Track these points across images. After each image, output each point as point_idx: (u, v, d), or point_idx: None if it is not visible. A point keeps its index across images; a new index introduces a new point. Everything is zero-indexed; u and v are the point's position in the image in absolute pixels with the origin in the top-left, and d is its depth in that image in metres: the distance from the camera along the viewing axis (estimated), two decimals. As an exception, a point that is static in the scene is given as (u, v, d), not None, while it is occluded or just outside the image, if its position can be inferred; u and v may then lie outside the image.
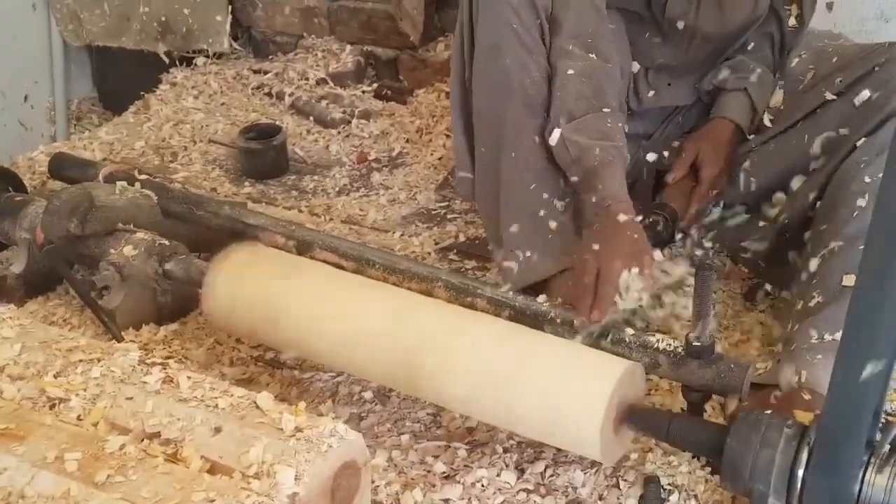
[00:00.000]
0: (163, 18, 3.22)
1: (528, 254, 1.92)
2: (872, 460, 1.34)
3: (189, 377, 1.43)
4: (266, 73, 3.20)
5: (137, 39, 3.26)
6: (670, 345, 1.63)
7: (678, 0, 1.96)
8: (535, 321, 1.72)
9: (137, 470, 1.25)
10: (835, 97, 1.90)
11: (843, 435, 1.32)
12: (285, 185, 2.60)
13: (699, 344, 1.57)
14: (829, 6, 2.35)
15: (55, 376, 1.43)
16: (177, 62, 3.26)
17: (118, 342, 1.78)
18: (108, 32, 3.28)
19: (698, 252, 2.05)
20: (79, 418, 1.35)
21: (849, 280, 1.71)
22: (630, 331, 1.68)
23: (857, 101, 1.86)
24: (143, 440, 1.31)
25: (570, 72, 1.85)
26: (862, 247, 1.71)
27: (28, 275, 2.03)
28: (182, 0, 3.19)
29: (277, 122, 2.81)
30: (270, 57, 3.32)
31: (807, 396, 1.62)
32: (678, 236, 2.07)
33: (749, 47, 2.04)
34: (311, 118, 2.94)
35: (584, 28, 1.87)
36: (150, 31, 3.25)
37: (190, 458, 1.27)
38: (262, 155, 2.63)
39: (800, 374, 1.66)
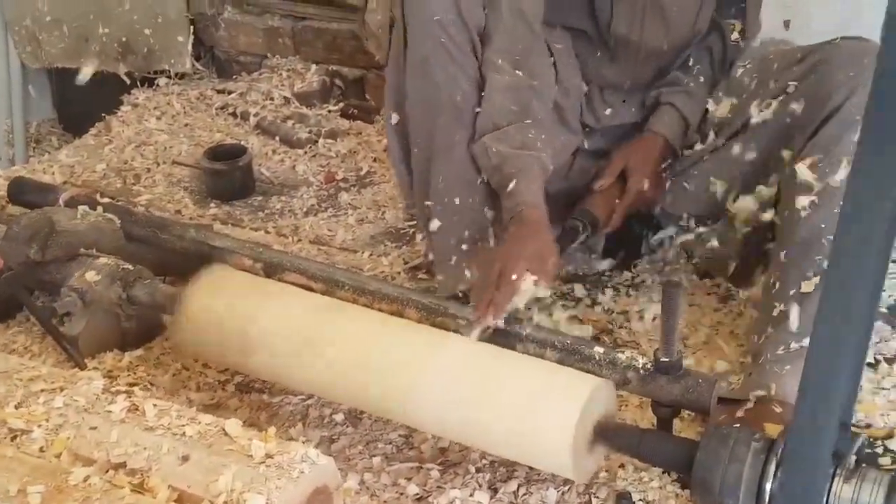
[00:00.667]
0: (123, 39, 3.22)
1: (457, 259, 1.96)
2: (839, 472, 1.36)
3: (155, 405, 1.43)
4: (230, 93, 3.20)
5: (97, 61, 3.25)
6: (639, 361, 1.65)
7: (623, 18, 2.00)
8: (507, 340, 1.73)
9: (102, 502, 1.24)
10: (773, 105, 1.94)
11: (810, 447, 1.34)
12: (252, 207, 2.60)
13: (667, 360, 1.59)
14: (787, 24, 2.38)
15: (16, 407, 1.42)
16: (138, 83, 3.26)
17: (81, 370, 1.77)
18: (67, 54, 3.28)
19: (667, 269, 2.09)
20: (41, 450, 1.35)
21: (807, 286, 1.74)
22: (599, 348, 1.69)
23: (794, 107, 1.90)
24: (108, 471, 1.30)
25: (498, 85, 1.90)
26: (816, 254, 1.75)
27: (-13, 303, 2.02)
28: (143, 20, 3.20)
29: (243, 143, 2.80)
30: (234, 77, 3.32)
31: (778, 409, 1.64)
32: (651, 253, 2.12)
33: (689, 62, 2.08)
34: (277, 138, 2.94)
35: (514, 44, 1.91)
36: (111, 51, 3.25)
37: (157, 488, 1.27)
38: (228, 176, 2.62)
39: (769, 387, 1.69)
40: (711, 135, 2.05)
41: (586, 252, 2.11)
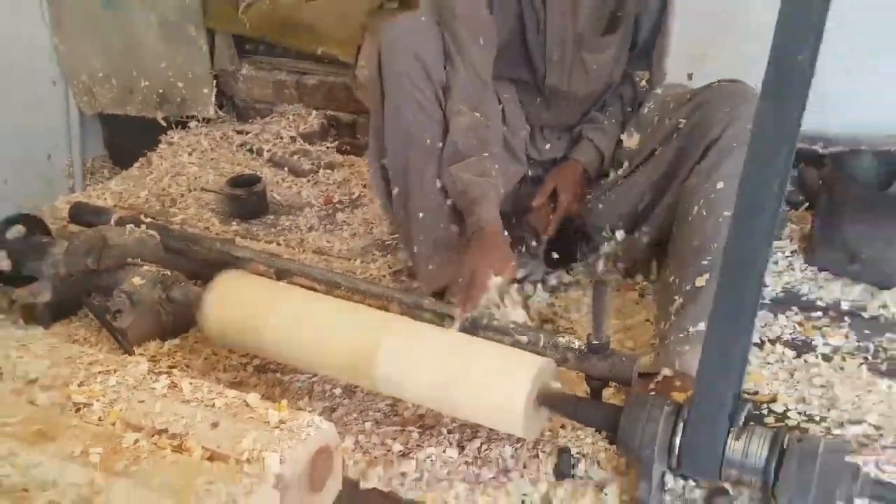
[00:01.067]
0: (160, 91, 3.21)
1: (432, 267, 1.99)
2: (732, 430, 1.38)
3: (190, 382, 1.43)
4: (247, 133, 3.19)
5: (139, 107, 3.25)
6: (575, 344, 1.67)
7: (554, 73, 2.04)
8: (474, 330, 1.74)
9: (149, 460, 1.24)
10: (667, 138, 1.98)
11: (710, 411, 1.36)
12: (266, 224, 2.59)
13: (597, 343, 1.62)
14: (690, 76, 2.39)
15: (79, 385, 1.42)
16: (173, 126, 3.25)
17: (130, 356, 1.77)
18: (115, 102, 3.26)
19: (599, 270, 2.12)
20: (99, 419, 1.35)
21: (700, 282, 1.78)
22: (543, 335, 1.71)
23: (685, 139, 1.93)
24: (153, 435, 1.30)
25: (460, 126, 1.92)
26: (705, 256, 1.78)
27: (54, 303, 2.01)
28: (176, 76, 3.19)
29: (258, 173, 2.79)
30: (250, 120, 3.31)
31: (678, 383, 1.65)
32: (584, 259, 2.14)
33: (605, 105, 2.10)
34: (286, 169, 2.93)
35: (470, 94, 1.94)
36: (150, 101, 3.23)
37: (193, 448, 1.27)
38: (246, 200, 2.61)
39: (674, 364, 1.71)
40: (626, 163, 2.08)
41: (534, 258, 2.13)
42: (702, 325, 1.72)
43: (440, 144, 1.94)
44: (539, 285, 2.14)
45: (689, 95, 1.98)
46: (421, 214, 1.97)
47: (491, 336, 1.72)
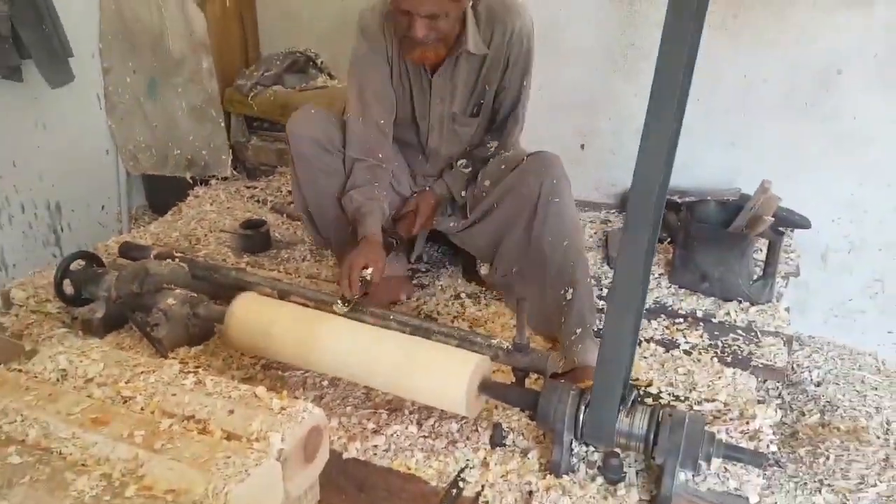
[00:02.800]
0: (189, 157, 3.17)
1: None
2: (622, 408, 1.38)
3: (212, 379, 1.39)
4: (255, 188, 3.15)
5: (173, 169, 3.21)
6: (504, 344, 1.66)
7: (434, 139, 2.10)
8: (426, 333, 1.73)
9: (181, 440, 1.22)
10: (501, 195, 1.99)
11: (606, 396, 1.36)
12: (269, 257, 2.53)
13: (520, 343, 1.61)
14: (582, 146, 2.40)
15: (126, 382, 1.38)
16: (199, 183, 3.20)
17: (165, 359, 1.73)
18: (154, 166, 3.21)
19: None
20: (142, 409, 1.31)
21: (569, 295, 1.83)
22: (479, 337, 1.70)
23: (512, 197, 1.95)
24: (183, 421, 1.28)
25: (359, 166, 1.99)
26: (564, 277, 1.82)
27: (106, 319, 1.95)
28: (201, 146, 3.15)
29: (263, 218, 2.75)
30: (258, 178, 3.26)
31: (580, 374, 1.68)
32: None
33: (463, 160, 2.11)
34: (284, 215, 2.89)
35: (369, 143, 2.00)
36: (181, 164, 3.19)
37: (214, 431, 1.25)
38: (254, 239, 2.57)
39: (573, 361, 1.71)
40: (476, 209, 2.08)
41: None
42: (579, 329, 1.77)
43: (341, 181, 2.01)
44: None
45: (520, 158, 1.99)
46: (334, 229, 2.07)
47: (442, 339, 1.71)
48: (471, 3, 1.88)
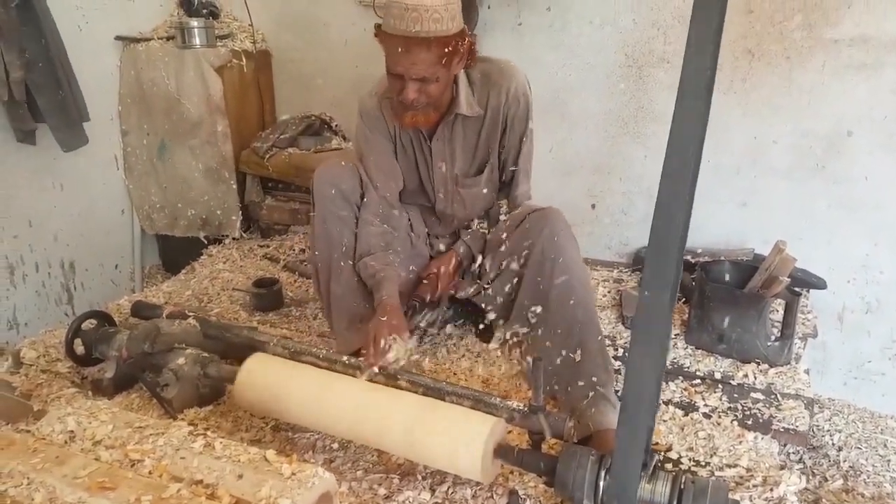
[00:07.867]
0: (203, 216, 3.20)
1: (347, 334, 2.01)
2: (643, 475, 1.33)
3: (221, 442, 1.36)
4: (268, 247, 3.16)
5: (185, 229, 3.22)
6: (520, 406, 1.61)
7: (441, 202, 2.12)
8: (440, 394, 1.68)
9: (189, 506, 1.17)
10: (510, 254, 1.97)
11: (628, 461, 1.31)
12: (281, 315, 2.52)
13: (536, 405, 1.55)
14: (593, 206, 2.41)
15: (134, 445, 1.35)
16: (212, 242, 3.21)
17: (174, 420, 1.69)
18: (168, 226, 3.24)
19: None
20: (150, 472, 1.28)
21: (577, 357, 1.78)
22: (496, 399, 1.64)
23: (515, 262, 1.95)
24: (192, 485, 1.24)
25: (373, 232, 2.00)
26: (571, 338, 1.78)
27: (116, 379, 1.92)
28: (214, 206, 3.18)
29: (275, 276, 2.75)
30: (271, 237, 3.27)
31: (597, 439, 1.63)
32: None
33: (477, 221, 2.18)
34: (296, 273, 2.89)
35: (380, 211, 2.03)
36: (194, 224, 3.21)
37: (223, 496, 1.21)
38: (266, 297, 2.56)
39: (589, 427, 1.67)
40: (491, 269, 2.06)
41: (435, 324, 2.20)
42: (591, 392, 1.73)
43: (354, 246, 2.00)
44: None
45: (524, 215, 1.99)
46: (339, 293, 2.01)
47: (455, 400, 1.66)
48: (464, 69, 1.92)
